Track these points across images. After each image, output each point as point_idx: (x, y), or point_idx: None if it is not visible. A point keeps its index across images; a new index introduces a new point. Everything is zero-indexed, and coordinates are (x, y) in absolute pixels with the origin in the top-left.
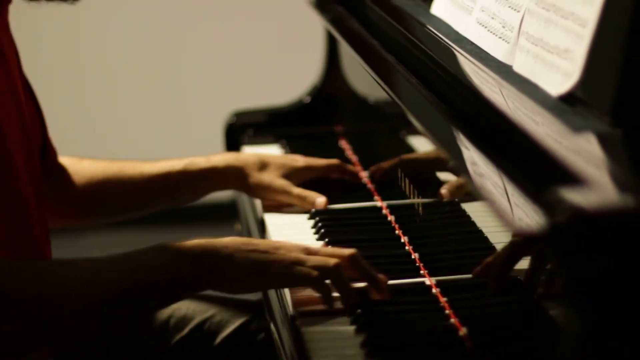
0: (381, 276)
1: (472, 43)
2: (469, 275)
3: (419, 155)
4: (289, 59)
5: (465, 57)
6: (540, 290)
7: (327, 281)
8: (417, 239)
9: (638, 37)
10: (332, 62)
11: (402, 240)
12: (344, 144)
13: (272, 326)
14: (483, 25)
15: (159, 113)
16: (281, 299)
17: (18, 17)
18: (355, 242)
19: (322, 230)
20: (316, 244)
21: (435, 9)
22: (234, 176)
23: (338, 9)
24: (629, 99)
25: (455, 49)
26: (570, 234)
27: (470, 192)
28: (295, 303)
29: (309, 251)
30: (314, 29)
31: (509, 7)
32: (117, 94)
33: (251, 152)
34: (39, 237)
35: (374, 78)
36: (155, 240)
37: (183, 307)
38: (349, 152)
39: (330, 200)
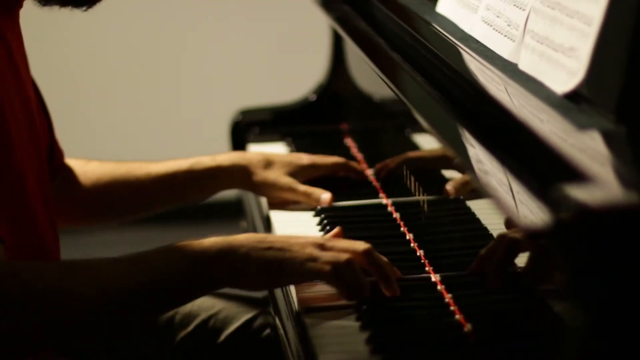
0: (395, 271)
1: (478, 41)
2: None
3: (424, 153)
4: (294, 57)
5: (471, 56)
6: (545, 286)
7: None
8: (423, 236)
9: None
10: (338, 61)
11: (408, 237)
12: (349, 141)
13: (277, 322)
14: (488, 24)
15: (165, 112)
16: (287, 295)
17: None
18: (360, 239)
19: (328, 227)
20: None
21: (441, 8)
22: (240, 175)
23: (344, 7)
24: (633, 97)
25: (460, 47)
26: (575, 231)
27: (476, 189)
28: (301, 299)
29: (324, 246)
30: (320, 27)
31: (515, 5)
32: (121, 94)
33: (256, 151)
34: (47, 237)
35: (379, 76)
36: (162, 239)
37: (188, 304)
38: (355, 150)
39: (336, 198)
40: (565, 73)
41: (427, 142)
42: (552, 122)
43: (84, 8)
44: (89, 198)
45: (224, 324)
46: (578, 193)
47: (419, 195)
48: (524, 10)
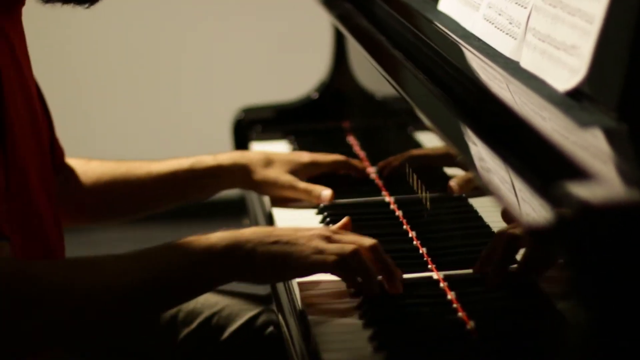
0: (398, 270)
1: (480, 39)
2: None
3: (427, 151)
4: (296, 55)
5: (473, 54)
6: (547, 284)
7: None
8: (425, 234)
9: None
10: (340, 59)
11: (410, 235)
12: (351, 139)
13: (280, 320)
14: (490, 22)
15: (168, 111)
16: (290, 293)
17: None
18: None
19: (330, 225)
20: None
21: (443, 6)
22: (241, 173)
23: (345, 5)
24: (635, 94)
25: (462, 45)
26: (577, 228)
27: (478, 187)
28: (304, 297)
29: (331, 238)
30: (322, 25)
31: (516, 3)
32: (124, 94)
33: (257, 150)
34: (52, 235)
35: (381, 74)
36: (166, 237)
37: (191, 302)
38: (357, 148)
39: (338, 196)
40: (567, 71)
41: (429, 140)
42: (553, 120)
43: (86, 5)
44: (89, 197)
45: (227, 321)
46: (580, 191)
47: (421, 193)
48: (525, 8)
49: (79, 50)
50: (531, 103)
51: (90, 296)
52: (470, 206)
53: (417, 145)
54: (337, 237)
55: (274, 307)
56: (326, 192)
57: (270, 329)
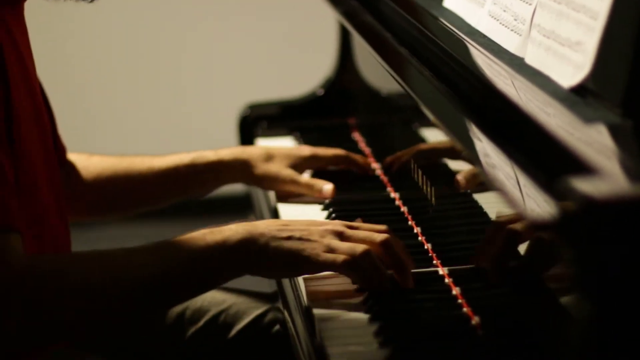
0: (410, 263)
1: (485, 36)
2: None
3: (432, 147)
4: (302, 52)
5: (478, 50)
6: (552, 279)
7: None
8: (430, 230)
9: None
10: (346, 55)
11: (415, 231)
12: (357, 136)
13: (286, 316)
14: (495, 18)
15: (173, 108)
16: (295, 289)
17: None
18: None
19: None
20: None
21: (448, 2)
22: (241, 168)
23: (351, 2)
24: (639, 90)
25: (467, 41)
26: (581, 223)
27: (483, 182)
28: (310, 293)
29: (344, 234)
30: (328, 22)
31: (521, 0)
32: (128, 91)
33: (258, 145)
34: (59, 229)
35: (387, 70)
36: (172, 232)
37: (199, 299)
38: (362, 144)
39: (343, 192)
40: (572, 67)
41: (435, 136)
42: (558, 116)
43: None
44: (91, 192)
45: (234, 319)
46: (584, 186)
47: (426, 188)
48: (530, 4)
49: (82, 46)
50: (536, 99)
51: (103, 290)
52: (476, 202)
53: (422, 141)
54: (349, 232)
55: (280, 305)
56: (328, 187)
57: (278, 327)
